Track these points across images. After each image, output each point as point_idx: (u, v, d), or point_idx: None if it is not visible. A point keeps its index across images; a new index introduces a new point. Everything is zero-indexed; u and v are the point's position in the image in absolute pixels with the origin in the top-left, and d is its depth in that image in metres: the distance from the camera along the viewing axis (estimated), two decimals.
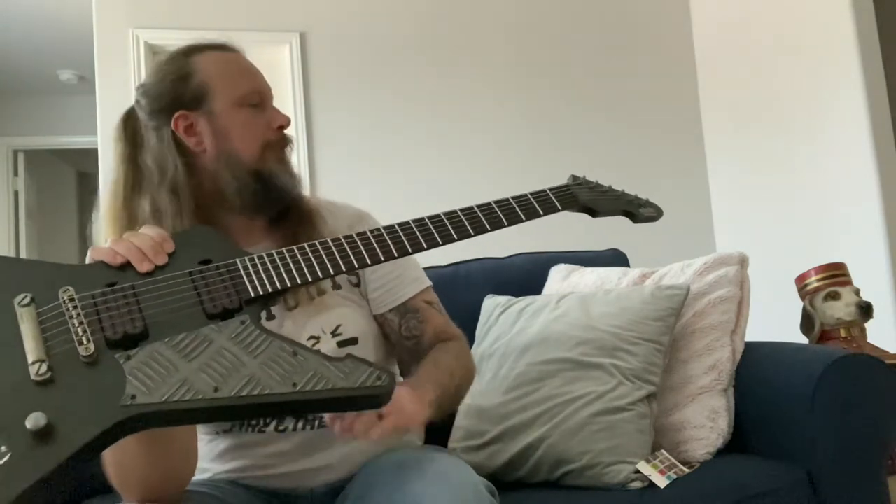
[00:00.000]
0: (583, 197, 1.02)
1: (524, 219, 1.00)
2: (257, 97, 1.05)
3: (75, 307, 0.70)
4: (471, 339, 1.50)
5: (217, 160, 1.02)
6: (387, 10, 3.53)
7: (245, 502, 1.00)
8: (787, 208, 3.19)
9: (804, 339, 2.20)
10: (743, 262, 1.45)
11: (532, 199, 1.01)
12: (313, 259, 0.85)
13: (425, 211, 0.94)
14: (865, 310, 2.10)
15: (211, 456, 1.08)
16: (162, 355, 0.67)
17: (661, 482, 1.15)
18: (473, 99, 3.56)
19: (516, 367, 1.34)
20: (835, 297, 2.14)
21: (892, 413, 1.27)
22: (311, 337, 1.03)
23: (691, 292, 1.39)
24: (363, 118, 3.38)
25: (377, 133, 3.37)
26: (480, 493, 0.87)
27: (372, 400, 0.71)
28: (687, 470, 1.20)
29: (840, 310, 2.12)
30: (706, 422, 1.31)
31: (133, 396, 0.63)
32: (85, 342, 0.67)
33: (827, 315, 2.14)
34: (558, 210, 1.01)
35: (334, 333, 1.05)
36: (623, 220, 1.03)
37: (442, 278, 1.30)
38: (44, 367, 0.63)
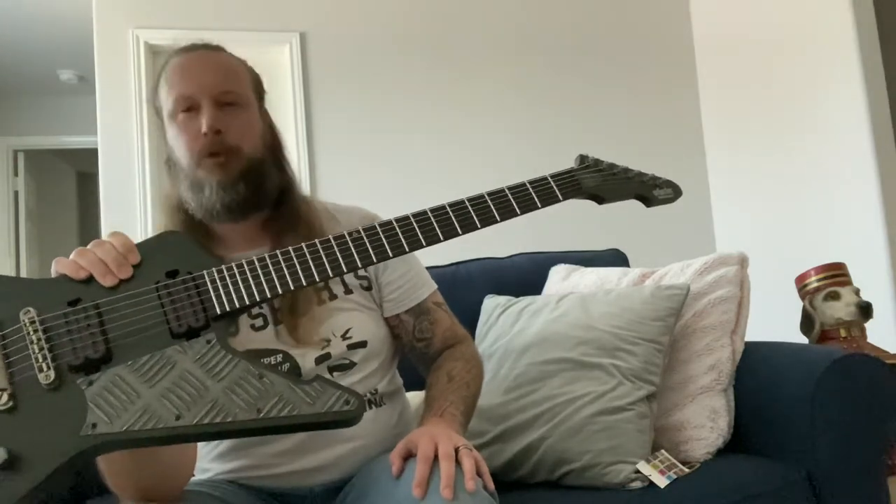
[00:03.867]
0: (587, 183, 0.94)
1: (519, 212, 0.90)
2: (186, 103, 1.00)
3: (36, 331, 0.68)
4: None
5: (173, 169, 1.04)
6: (387, 10, 3.53)
7: (245, 502, 1.00)
8: (787, 208, 3.19)
9: (804, 339, 2.20)
10: (743, 262, 1.45)
11: (531, 190, 0.92)
12: (286, 268, 0.79)
13: (424, 207, 0.93)
14: (865, 310, 2.10)
15: (211, 456, 1.08)
16: (124, 381, 0.66)
17: (661, 482, 1.15)
18: (473, 99, 3.56)
19: (516, 368, 1.34)
20: (835, 297, 2.14)
21: (892, 413, 1.27)
22: (322, 339, 1.03)
23: (691, 292, 1.39)
24: (363, 118, 3.38)
25: (377, 133, 3.37)
26: (481, 493, 0.87)
27: (339, 424, 0.69)
28: (687, 470, 1.20)
29: (840, 310, 2.12)
30: (706, 422, 1.31)
31: (94, 425, 0.62)
32: (45, 369, 0.65)
33: (827, 315, 2.14)
34: (559, 201, 0.91)
35: (344, 336, 1.06)
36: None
37: (442, 278, 1.30)
38: (5, 397, 0.63)
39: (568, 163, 1.00)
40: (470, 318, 1.53)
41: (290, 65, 3.31)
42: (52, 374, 0.65)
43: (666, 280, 1.47)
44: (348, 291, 1.10)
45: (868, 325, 2.15)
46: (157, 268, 0.78)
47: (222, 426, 0.64)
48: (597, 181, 0.94)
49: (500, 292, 1.61)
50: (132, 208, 3.25)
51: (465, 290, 1.64)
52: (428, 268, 1.27)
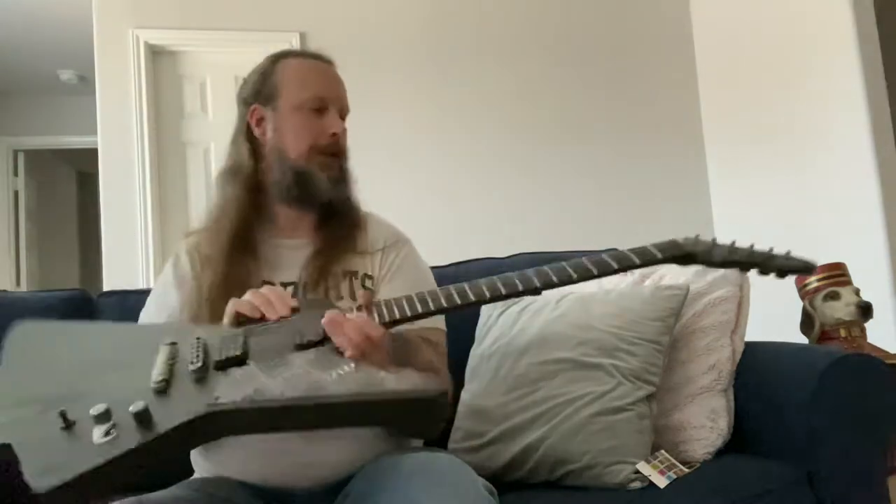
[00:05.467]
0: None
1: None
2: (318, 103, 1.16)
3: (198, 343, 0.87)
4: (470, 340, 1.50)
5: (271, 152, 1.17)
6: (387, 11, 3.53)
7: (245, 500, 1.00)
8: (787, 208, 3.19)
9: (804, 339, 2.20)
10: None
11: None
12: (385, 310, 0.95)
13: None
14: (865, 310, 2.09)
15: (211, 454, 1.09)
16: (250, 372, 0.81)
17: (661, 482, 1.15)
18: (473, 98, 3.56)
19: (516, 368, 1.34)
20: (835, 297, 2.14)
21: (892, 413, 1.27)
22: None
23: (691, 292, 1.39)
24: (362, 118, 3.37)
25: (377, 132, 3.37)
26: (480, 493, 0.87)
27: (422, 402, 0.76)
28: (687, 470, 1.20)
29: (840, 310, 2.11)
30: (706, 422, 1.31)
31: (217, 398, 0.76)
32: (195, 361, 0.82)
33: (827, 315, 2.13)
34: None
35: None
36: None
37: (443, 278, 1.29)
38: (160, 378, 0.79)
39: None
40: (470, 319, 1.53)
41: None
42: (199, 363, 0.81)
43: (666, 280, 1.47)
44: (354, 298, 1.12)
45: (868, 325, 2.15)
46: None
47: (320, 398, 0.74)
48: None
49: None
50: (132, 208, 3.25)
51: None
52: (429, 268, 1.28)
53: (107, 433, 0.72)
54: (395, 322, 0.96)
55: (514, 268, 1.77)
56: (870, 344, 2.12)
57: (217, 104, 3.46)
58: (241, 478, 1.05)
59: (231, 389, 0.76)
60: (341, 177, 1.18)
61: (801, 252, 1.08)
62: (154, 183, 3.31)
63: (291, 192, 1.16)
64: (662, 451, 1.24)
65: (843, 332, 2.11)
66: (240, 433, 0.79)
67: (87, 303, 1.57)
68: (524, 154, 3.55)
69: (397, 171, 3.36)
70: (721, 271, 1.43)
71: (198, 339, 0.88)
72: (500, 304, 1.54)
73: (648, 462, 1.19)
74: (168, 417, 0.74)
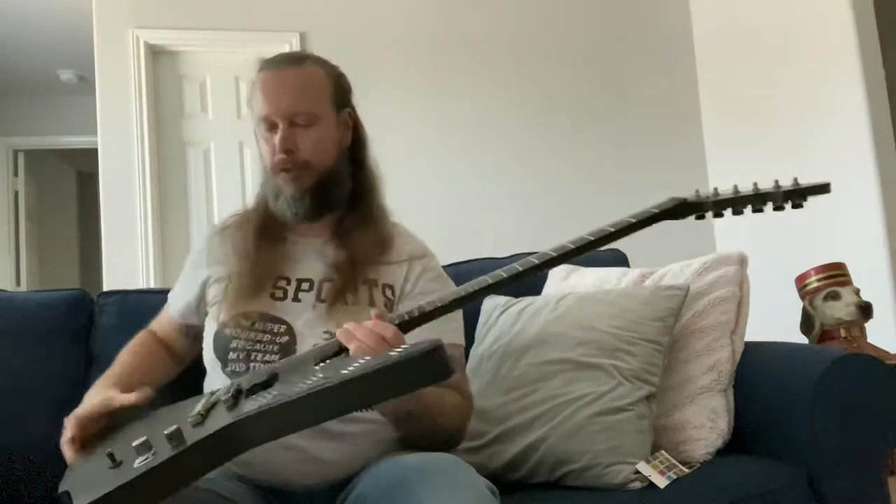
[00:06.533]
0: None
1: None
2: (267, 122, 1.15)
3: (234, 383, 0.91)
4: (470, 340, 1.50)
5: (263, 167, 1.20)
6: (386, 11, 3.53)
7: (246, 499, 1.01)
8: (787, 209, 3.19)
9: (804, 339, 2.20)
10: (742, 261, 1.45)
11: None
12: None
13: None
14: (865, 310, 2.10)
15: None
16: (275, 388, 0.86)
17: (661, 482, 1.15)
18: (473, 98, 3.56)
19: (516, 368, 1.34)
20: (835, 297, 2.14)
21: (892, 413, 1.27)
22: (327, 332, 1.07)
23: (691, 292, 1.39)
24: (363, 118, 3.37)
25: (377, 133, 3.37)
26: (482, 492, 0.87)
27: (423, 357, 0.77)
28: (687, 470, 1.20)
29: (840, 310, 2.12)
30: (706, 422, 1.31)
31: (244, 413, 0.80)
32: (224, 395, 0.88)
33: (827, 315, 2.13)
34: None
35: None
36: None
37: None
38: (197, 413, 0.84)
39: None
40: (470, 319, 1.53)
41: None
42: (230, 394, 0.86)
43: (665, 280, 1.47)
44: (372, 305, 1.13)
45: (868, 325, 2.15)
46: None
47: (322, 386, 0.77)
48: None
49: (499, 292, 1.61)
50: (132, 208, 3.25)
51: None
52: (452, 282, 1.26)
53: (144, 458, 0.77)
54: (407, 323, 0.96)
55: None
56: (870, 344, 2.12)
57: (217, 104, 3.46)
58: (244, 475, 1.05)
59: (255, 403, 0.81)
60: (313, 188, 1.15)
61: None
62: (154, 183, 3.30)
63: (272, 205, 1.18)
64: (662, 452, 1.24)
65: (843, 332, 2.11)
66: (267, 439, 0.81)
67: (87, 303, 1.57)
68: (524, 154, 3.55)
69: (397, 171, 3.34)
70: (721, 271, 1.42)
71: (233, 382, 0.93)
72: (500, 304, 1.54)
73: (648, 462, 1.19)
74: (195, 434, 0.79)
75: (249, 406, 0.81)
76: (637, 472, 1.17)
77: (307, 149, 1.14)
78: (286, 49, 3.33)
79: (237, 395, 0.87)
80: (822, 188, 1.00)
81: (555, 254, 0.99)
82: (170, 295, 1.31)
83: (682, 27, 3.81)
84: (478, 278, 1.00)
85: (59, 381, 1.45)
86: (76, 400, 1.04)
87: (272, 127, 1.14)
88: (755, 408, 1.34)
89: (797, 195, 1.00)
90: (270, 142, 1.14)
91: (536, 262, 0.98)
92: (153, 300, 1.39)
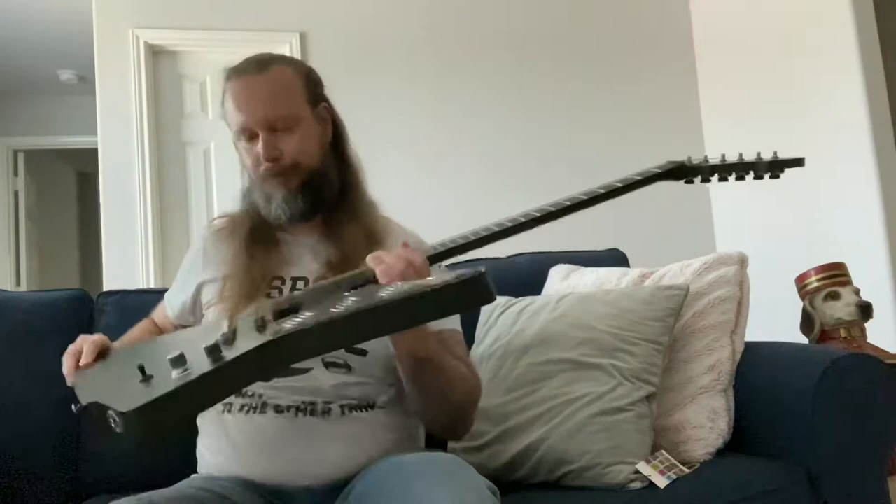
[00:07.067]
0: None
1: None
2: (246, 133, 1.13)
3: (256, 309, 0.94)
4: (470, 340, 1.50)
5: (247, 175, 1.19)
6: (386, 10, 3.53)
7: (245, 499, 1.01)
8: (787, 208, 3.19)
9: (804, 339, 2.20)
10: (742, 262, 1.45)
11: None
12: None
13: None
14: (865, 310, 2.10)
15: (213, 453, 1.09)
16: (306, 312, 0.87)
17: (661, 482, 1.15)
18: (473, 98, 3.56)
19: (516, 368, 1.34)
20: (835, 297, 2.14)
21: (892, 413, 1.27)
22: None
23: (691, 292, 1.39)
24: (363, 118, 3.37)
25: (377, 133, 3.37)
26: (483, 492, 0.87)
27: (466, 289, 0.81)
28: (687, 470, 1.20)
29: (840, 310, 2.12)
30: (706, 422, 1.31)
31: (279, 330, 0.82)
32: (253, 316, 0.89)
33: (827, 315, 2.14)
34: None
35: None
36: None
37: None
38: (227, 330, 0.85)
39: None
40: (470, 319, 1.53)
41: None
42: (258, 317, 0.88)
43: (665, 280, 1.47)
44: None
45: (868, 325, 2.15)
46: None
47: (364, 308, 0.79)
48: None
49: (499, 292, 1.61)
50: (132, 208, 3.25)
51: None
52: None
53: (182, 370, 0.78)
54: (436, 257, 1.00)
55: (514, 268, 1.79)
56: (870, 344, 2.12)
57: (217, 104, 3.46)
58: (243, 475, 1.05)
59: (289, 324, 0.83)
60: (304, 186, 1.14)
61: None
62: (154, 183, 3.30)
63: (264, 210, 1.17)
64: (662, 451, 1.24)
65: (843, 332, 2.11)
66: (304, 357, 0.85)
67: (87, 303, 1.57)
68: (524, 153, 3.55)
69: (397, 169, 3.36)
70: (721, 271, 1.43)
71: (261, 306, 0.96)
72: (500, 304, 1.55)
73: (648, 462, 1.19)
74: (233, 350, 0.80)
75: (283, 325, 0.83)
76: (637, 472, 1.17)
77: (292, 152, 1.13)
78: (286, 49, 3.33)
79: (263, 318, 0.88)
80: (797, 161, 1.16)
81: (569, 203, 1.10)
82: (166, 294, 1.33)
83: (682, 27, 3.82)
84: (506, 217, 1.04)
85: (59, 381, 1.45)
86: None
87: (252, 136, 1.12)
88: (755, 408, 1.34)
89: (776, 166, 1.15)
90: (253, 151, 1.13)
91: (568, 203, 1.09)
92: (153, 300, 1.39)
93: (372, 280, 0.95)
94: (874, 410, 1.26)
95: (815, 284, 2.18)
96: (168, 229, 3.33)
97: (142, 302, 1.48)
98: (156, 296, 1.41)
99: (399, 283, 0.86)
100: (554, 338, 1.35)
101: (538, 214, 1.04)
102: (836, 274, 2.18)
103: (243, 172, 1.21)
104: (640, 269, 1.56)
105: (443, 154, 3.50)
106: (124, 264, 3.20)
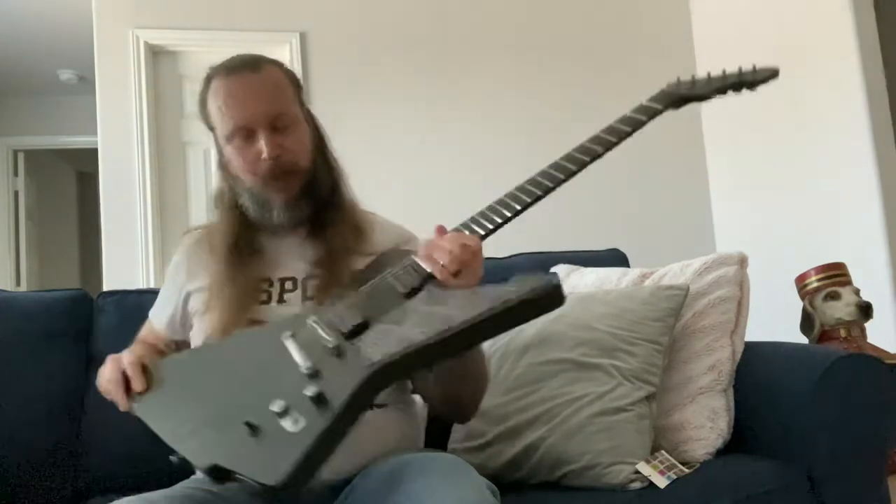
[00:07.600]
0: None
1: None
2: (243, 132, 1.10)
3: (321, 325, 0.92)
4: None
5: (234, 178, 1.15)
6: (386, 10, 3.53)
7: (245, 500, 1.01)
8: (787, 208, 3.19)
9: (804, 339, 2.20)
10: (742, 262, 1.45)
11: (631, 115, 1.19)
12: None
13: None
14: (865, 310, 2.10)
15: None
16: (381, 330, 0.88)
17: (661, 482, 1.15)
18: (473, 98, 3.56)
19: (516, 368, 1.34)
20: (835, 297, 2.14)
21: (892, 413, 1.27)
22: None
23: (691, 292, 1.39)
24: (363, 118, 3.38)
25: (377, 133, 3.38)
26: (483, 493, 0.87)
27: (543, 299, 0.84)
28: (687, 470, 1.20)
29: (840, 310, 2.12)
30: (706, 422, 1.31)
31: (370, 360, 0.82)
32: (328, 339, 0.88)
33: (827, 315, 2.14)
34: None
35: None
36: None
37: None
38: (309, 365, 0.85)
39: None
40: None
41: (290, 65, 3.28)
42: (333, 341, 0.88)
43: (665, 280, 1.47)
44: None
45: (868, 325, 2.15)
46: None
47: (453, 329, 0.81)
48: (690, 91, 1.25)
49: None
50: (132, 208, 3.25)
51: None
52: None
53: (295, 422, 0.79)
54: (488, 234, 1.03)
55: (514, 268, 1.79)
56: (870, 344, 2.12)
57: None
58: None
59: (376, 349, 0.83)
60: (304, 191, 1.13)
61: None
62: (154, 183, 3.31)
63: (257, 215, 1.14)
64: (662, 451, 1.24)
65: (843, 332, 2.11)
66: (399, 380, 0.90)
67: (87, 303, 1.57)
68: (524, 154, 3.55)
69: (396, 169, 3.36)
70: (721, 271, 1.43)
71: (315, 321, 0.94)
72: None
73: (648, 462, 1.19)
74: (338, 392, 0.80)
75: (369, 353, 0.83)
76: (637, 472, 1.17)
77: (293, 151, 1.11)
78: (286, 49, 3.33)
79: (338, 341, 0.87)
80: (773, 73, 1.28)
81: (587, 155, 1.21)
82: (150, 312, 1.28)
83: (682, 27, 3.81)
84: (536, 174, 1.12)
85: (59, 381, 1.46)
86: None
87: (249, 135, 1.09)
88: (755, 408, 1.34)
89: (750, 75, 1.31)
90: (251, 150, 1.09)
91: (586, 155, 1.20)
92: (153, 300, 1.38)
93: (426, 276, 0.95)
94: (874, 410, 1.26)
95: (815, 284, 2.18)
96: (168, 229, 3.33)
97: (142, 302, 1.48)
98: (155, 296, 1.41)
99: (471, 286, 0.88)
100: (554, 338, 1.35)
101: (570, 165, 1.12)
102: (836, 274, 2.18)
103: (223, 176, 1.17)
104: (640, 269, 1.56)
105: (443, 154, 3.50)
106: (124, 264, 3.20)
